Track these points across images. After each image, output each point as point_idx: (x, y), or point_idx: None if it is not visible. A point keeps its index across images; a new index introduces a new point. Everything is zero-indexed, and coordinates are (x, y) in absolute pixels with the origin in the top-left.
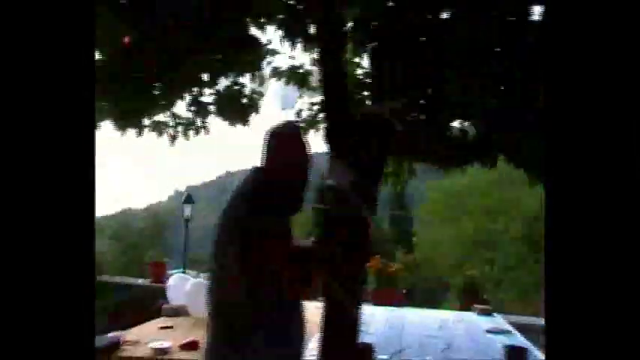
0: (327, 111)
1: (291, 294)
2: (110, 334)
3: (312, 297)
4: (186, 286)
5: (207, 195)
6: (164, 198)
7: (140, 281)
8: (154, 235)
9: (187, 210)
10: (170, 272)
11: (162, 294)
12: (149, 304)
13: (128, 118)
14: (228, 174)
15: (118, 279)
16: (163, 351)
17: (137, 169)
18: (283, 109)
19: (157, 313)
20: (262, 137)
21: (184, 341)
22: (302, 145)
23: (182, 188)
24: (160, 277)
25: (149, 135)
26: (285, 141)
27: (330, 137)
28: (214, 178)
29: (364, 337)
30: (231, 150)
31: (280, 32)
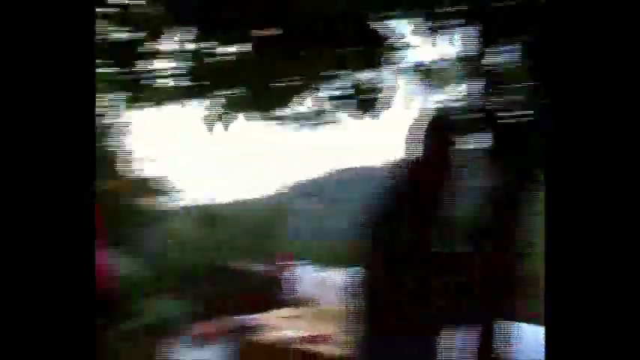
0: (487, 110)
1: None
2: (245, 317)
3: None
4: (312, 278)
5: (320, 190)
6: (276, 191)
7: (264, 269)
8: (270, 226)
9: (309, 203)
10: (294, 263)
11: (286, 283)
12: (274, 293)
13: (257, 111)
14: (341, 171)
15: (241, 265)
16: (294, 340)
17: (254, 161)
18: (408, 107)
19: (282, 302)
20: (408, 132)
21: (315, 333)
22: (454, 143)
23: (293, 182)
24: (285, 267)
25: (273, 128)
26: (439, 138)
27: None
28: (327, 173)
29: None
30: (342, 147)
31: (410, 27)
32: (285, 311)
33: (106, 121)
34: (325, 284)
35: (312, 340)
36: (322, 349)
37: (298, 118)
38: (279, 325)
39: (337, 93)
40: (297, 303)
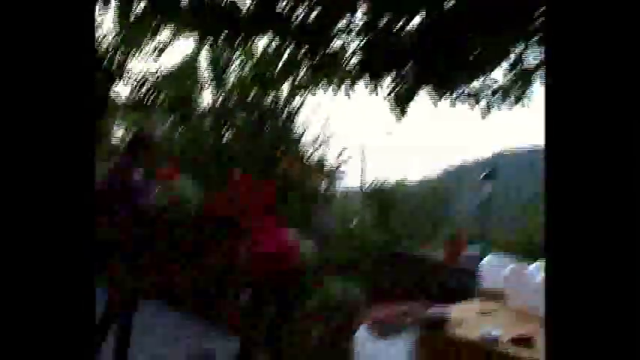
0: None
1: None
2: (437, 309)
3: None
4: (503, 270)
5: (498, 171)
6: (452, 171)
7: (436, 255)
8: (432, 209)
9: (488, 187)
10: (471, 250)
11: (471, 272)
12: (459, 282)
13: (442, 87)
14: (522, 150)
15: (417, 249)
16: (494, 340)
17: (431, 140)
18: None
19: (468, 294)
20: None
21: (517, 334)
22: None
23: (469, 162)
24: (459, 254)
25: (455, 105)
26: None
27: None
28: (505, 153)
29: None
30: (525, 124)
31: None
32: (474, 305)
33: (288, 104)
34: (516, 277)
35: (517, 342)
36: (529, 354)
37: (484, 93)
38: (471, 321)
39: (533, 65)
40: (491, 297)
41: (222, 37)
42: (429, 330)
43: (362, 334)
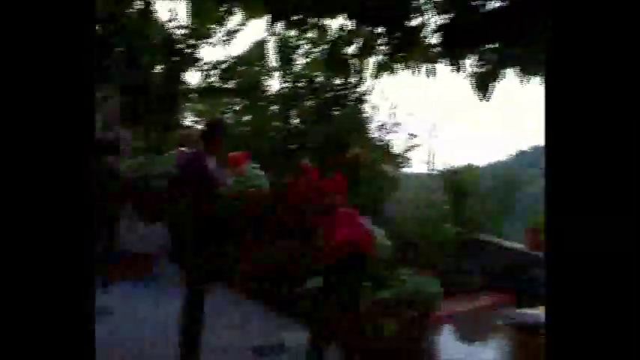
0: None
1: None
2: (529, 311)
3: None
4: None
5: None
6: (504, 157)
7: (517, 246)
8: (500, 196)
9: None
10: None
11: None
12: (538, 273)
13: (532, 67)
14: None
15: (494, 239)
16: None
17: (487, 124)
18: None
19: None
20: None
21: None
22: None
23: (525, 148)
24: (539, 244)
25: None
26: None
27: None
28: None
29: None
30: None
31: None
32: None
33: (357, 88)
34: None
35: None
36: None
37: None
38: None
39: None
40: None
41: (291, 20)
42: (524, 335)
43: (444, 336)
